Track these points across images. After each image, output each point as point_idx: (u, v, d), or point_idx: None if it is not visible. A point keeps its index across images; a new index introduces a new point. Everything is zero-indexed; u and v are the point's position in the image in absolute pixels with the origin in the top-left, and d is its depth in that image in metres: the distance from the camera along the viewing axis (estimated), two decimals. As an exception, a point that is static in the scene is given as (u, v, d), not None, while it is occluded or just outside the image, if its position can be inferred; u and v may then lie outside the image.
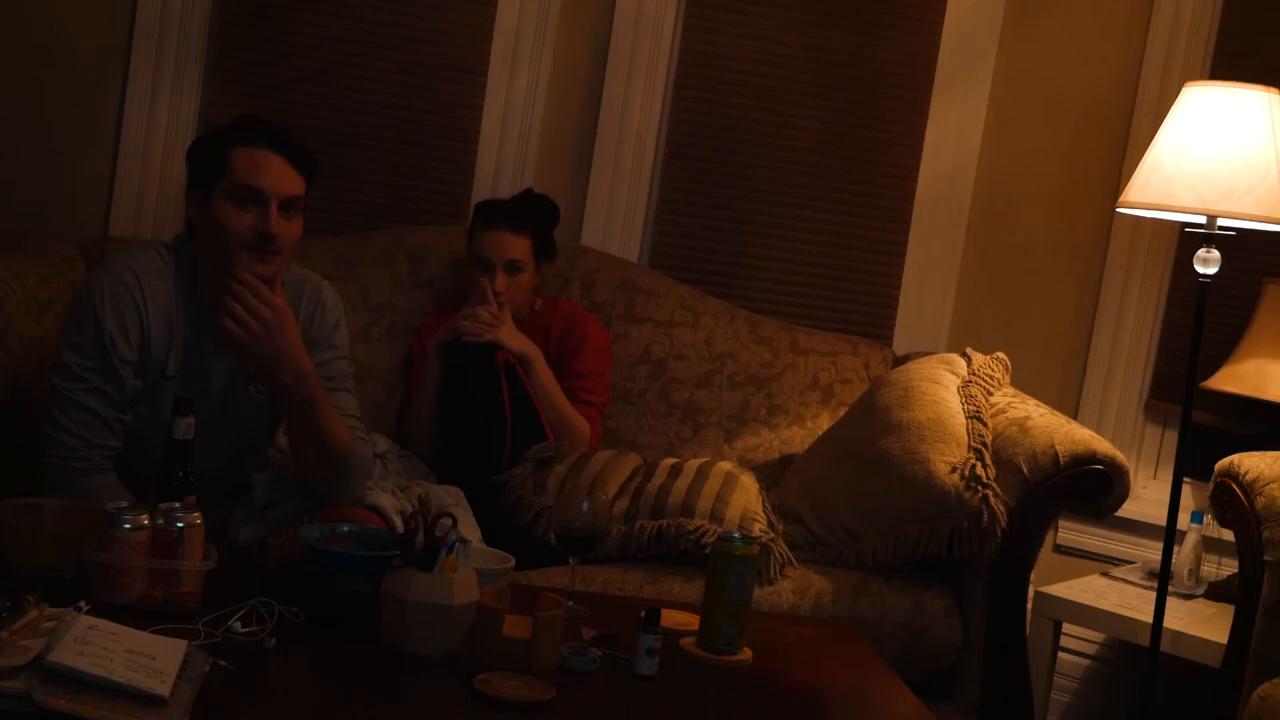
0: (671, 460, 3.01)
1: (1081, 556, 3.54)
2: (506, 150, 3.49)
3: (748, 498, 2.86)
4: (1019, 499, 2.74)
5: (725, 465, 2.99)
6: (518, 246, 3.08)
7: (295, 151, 2.36)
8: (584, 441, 3.05)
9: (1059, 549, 3.56)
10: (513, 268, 3.07)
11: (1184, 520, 3.05)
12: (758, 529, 2.77)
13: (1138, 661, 2.95)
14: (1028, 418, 2.89)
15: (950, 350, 3.30)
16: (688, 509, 2.79)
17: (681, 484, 2.86)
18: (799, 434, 3.32)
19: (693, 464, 2.97)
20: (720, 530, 2.67)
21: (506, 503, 2.78)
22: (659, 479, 2.88)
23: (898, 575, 2.81)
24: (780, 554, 2.75)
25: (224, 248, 2.32)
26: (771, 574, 2.70)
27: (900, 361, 3.35)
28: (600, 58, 3.51)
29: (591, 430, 3.09)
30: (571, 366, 3.11)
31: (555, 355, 3.10)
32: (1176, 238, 3.49)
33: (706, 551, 2.62)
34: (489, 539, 2.54)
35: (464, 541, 1.97)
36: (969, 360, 3.13)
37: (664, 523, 2.76)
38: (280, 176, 2.33)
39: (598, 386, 3.15)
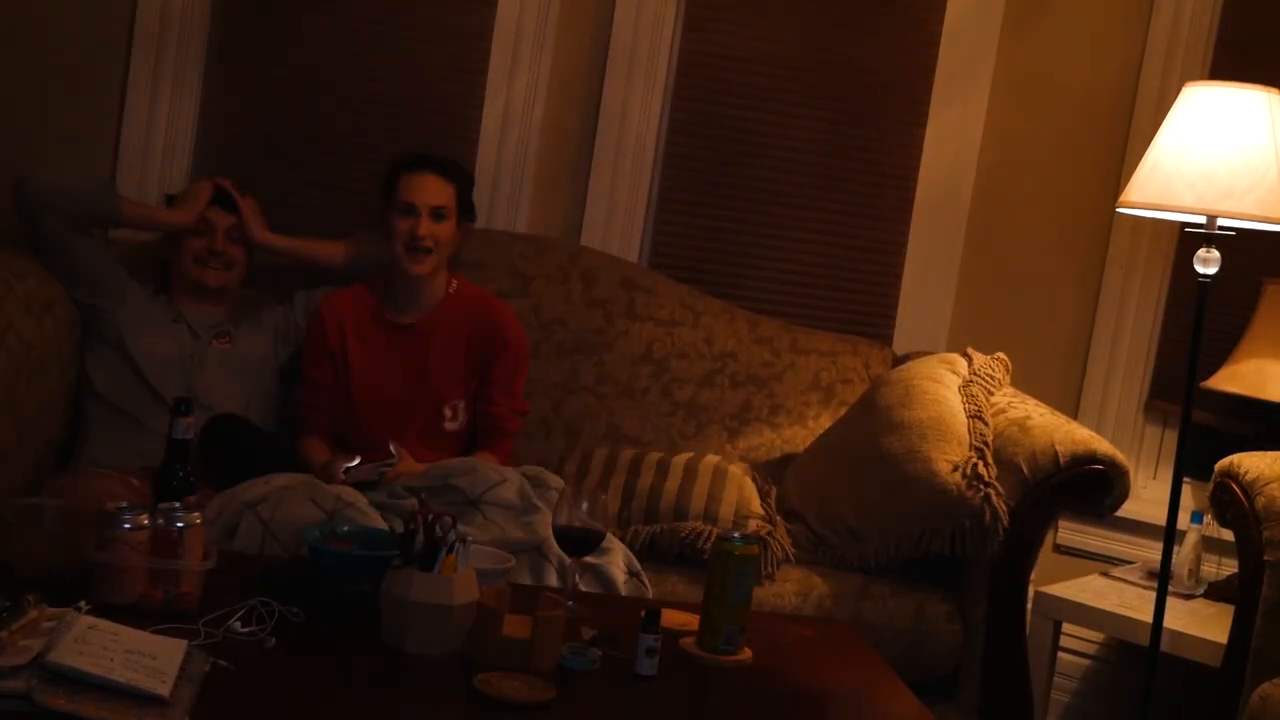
0: (658, 455, 3.01)
1: (1081, 556, 3.54)
2: (506, 150, 3.49)
3: (740, 492, 2.85)
4: (1019, 499, 2.75)
5: (712, 459, 2.99)
6: (443, 192, 3.00)
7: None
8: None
9: (1059, 549, 3.56)
10: (438, 214, 2.98)
11: (1184, 520, 3.05)
12: (753, 524, 2.76)
13: (1138, 661, 2.94)
14: (1028, 417, 2.89)
15: (950, 350, 3.30)
16: (680, 511, 2.79)
17: (672, 484, 2.86)
18: (800, 433, 3.32)
19: (679, 460, 2.96)
20: (714, 529, 2.67)
21: None
22: (646, 477, 2.87)
23: (901, 580, 2.81)
24: (779, 547, 2.74)
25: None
26: (768, 569, 2.70)
27: (900, 361, 3.35)
28: (600, 58, 3.51)
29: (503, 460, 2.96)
30: (493, 372, 3.01)
31: (476, 353, 3.01)
32: (1176, 237, 3.49)
33: (705, 557, 2.62)
34: None
35: (464, 541, 1.97)
36: (969, 360, 3.13)
37: (658, 529, 2.76)
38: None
39: (513, 410, 3.05)
